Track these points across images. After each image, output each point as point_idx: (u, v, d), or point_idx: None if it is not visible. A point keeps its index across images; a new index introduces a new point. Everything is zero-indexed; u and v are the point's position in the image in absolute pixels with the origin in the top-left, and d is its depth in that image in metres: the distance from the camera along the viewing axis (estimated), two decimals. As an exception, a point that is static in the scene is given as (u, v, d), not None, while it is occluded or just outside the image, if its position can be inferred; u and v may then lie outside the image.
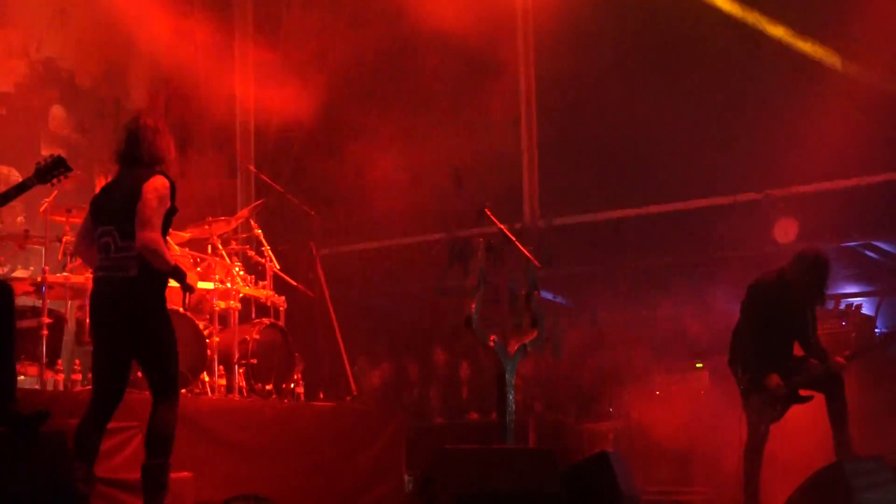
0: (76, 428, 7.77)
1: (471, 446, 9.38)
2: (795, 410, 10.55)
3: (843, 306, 13.41)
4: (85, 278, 10.85)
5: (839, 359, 10.17)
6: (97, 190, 11.12)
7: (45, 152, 14.02)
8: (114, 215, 7.68)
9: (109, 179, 10.21)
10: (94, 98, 15.92)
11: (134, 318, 7.59)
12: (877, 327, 13.53)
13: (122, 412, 9.63)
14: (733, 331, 10.52)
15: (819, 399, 10.29)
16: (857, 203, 12.91)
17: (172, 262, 7.66)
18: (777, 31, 13.59)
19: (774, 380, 10.05)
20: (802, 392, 10.28)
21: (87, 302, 8.15)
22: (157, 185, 7.63)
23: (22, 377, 10.83)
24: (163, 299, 7.70)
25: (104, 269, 7.68)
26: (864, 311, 13.78)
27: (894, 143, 12.89)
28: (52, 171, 8.33)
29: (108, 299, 7.66)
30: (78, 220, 11.23)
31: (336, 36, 15.91)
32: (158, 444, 7.77)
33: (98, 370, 7.80)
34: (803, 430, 11.41)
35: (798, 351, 10.38)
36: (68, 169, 8.38)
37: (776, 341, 10.22)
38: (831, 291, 10.59)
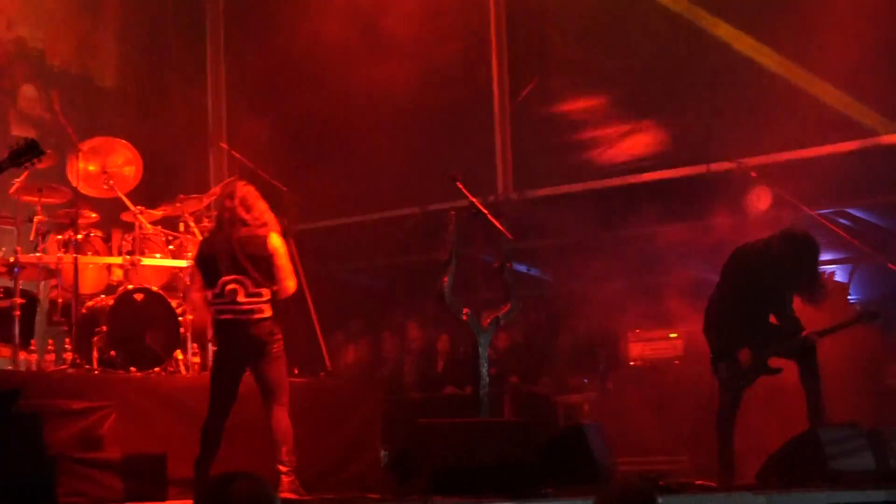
0: (203, 429, 8.96)
1: (446, 420, 9.38)
2: (770, 379, 10.59)
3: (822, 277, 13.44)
4: (56, 258, 10.83)
5: (813, 333, 10.20)
6: (69, 169, 11.17)
7: (16, 132, 14.01)
8: (243, 269, 8.97)
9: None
10: (65, 77, 15.84)
11: (266, 346, 8.98)
12: (850, 294, 13.58)
13: (98, 391, 9.67)
14: (710, 297, 10.54)
15: (792, 367, 10.33)
16: (830, 170, 12.92)
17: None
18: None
19: (745, 354, 10.09)
20: (773, 363, 10.31)
21: (217, 342, 9.48)
22: (282, 242, 9.18)
23: (-6, 359, 10.84)
24: (280, 328, 9.12)
25: (236, 313, 8.98)
26: (838, 278, 13.83)
27: (866, 111, 12.90)
28: (24, 154, 8.43)
29: (245, 335, 8.97)
30: (49, 199, 11.23)
31: (307, 7, 15.84)
32: (280, 442, 8.94)
33: (221, 381, 9.10)
34: (778, 398, 11.46)
35: (773, 321, 10.40)
36: (41, 152, 8.53)
37: (752, 311, 10.24)
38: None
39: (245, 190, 9.30)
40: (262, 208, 9.23)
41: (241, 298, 8.96)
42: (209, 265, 9.15)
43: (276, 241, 9.14)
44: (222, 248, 9.08)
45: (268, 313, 9.01)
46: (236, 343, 9.05)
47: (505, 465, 8.44)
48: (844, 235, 12.11)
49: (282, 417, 8.97)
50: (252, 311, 8.97)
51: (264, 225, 9.17)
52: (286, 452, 8.88)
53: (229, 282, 8.98)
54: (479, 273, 9.71)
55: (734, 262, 10.41)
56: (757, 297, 10.22)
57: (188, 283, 10.53)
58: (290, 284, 9.17)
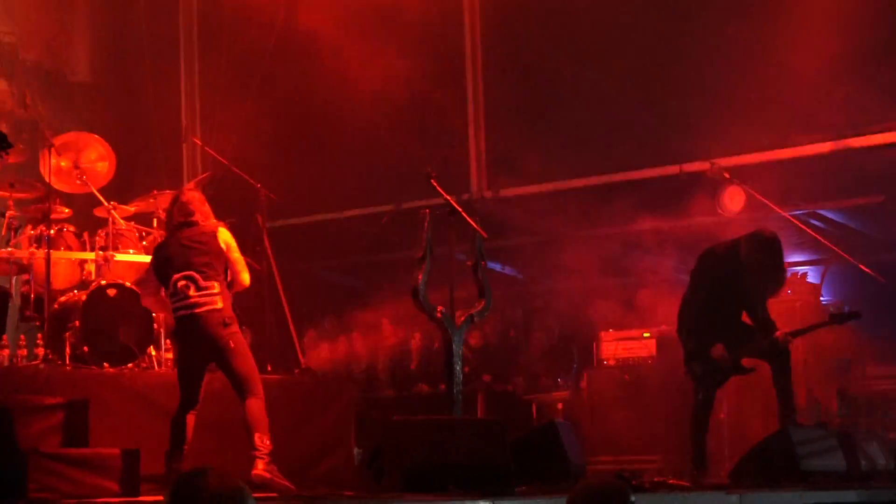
0: (171, 422, 9.07)
1: (418, 418, 9.38)
2: (742, 379, 10.63)
3: (788, 274, 13.51)
4: (29, 253, 10.79)
5: (785, 335, 10.22)
6: (42, 164, 11.12)
7: (-12, 127, 13.90)
8: (192, 265, 9.11)
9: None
10: (38, 72, 15.78)
11: (220, 338, 9.06)
12: (822, 296, 13.64)
13: (70, 387, 9.64)
14: (682, 299, 10.57)
15: (765, 368, 10.36)
16: (803, 172, 12.98)
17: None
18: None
19: (719, 349, 10.12)
20: (746, 363, 10.35)
21: (177, 341, 9.77)
22: (231, 236, 9.38)
23: (-34, 353, 10.77)
24: (235, 320, 9.23)
25: (188, 308, 9.11)
26: (810, 279, 13.90)
27: (839, 112, 12.96)
28: None
29: (199, 329, 9.08)
30: (21, 194, 11.18)
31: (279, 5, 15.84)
32: (252, 429, 8.99)
33: (186, 376, 9.23)
34: (749, 399, 11.51)
35: (746, 321, 10.44)
36: (9, 145, 8.46)
37: (724, 311, 10.28)
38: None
39: (189, 195, 9.51)
40: (206, 211, 9.43)
41: (192, 293, 9.10)
42: (162, 268, 9.33)
43: (225, 234, 9.36)
44: (173, 249, 9.28)
45: (220, 304, 9.13)
46: (193, 338, 9.19)
47: (478, 464, 8.44)
48: (816, 237, 12.17)
49: (254, 406, 9.05)
50: (204, 304, 9.10)
51: (209, 223, 9.39)
52: (258, 438, 8.93)
53: (180, 279, 9.13)
54: (454, 271, 9.70)
55: (703, 264, 10.45)
56: (728, 298, 10.25)
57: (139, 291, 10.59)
58: (245, 277, 9.39)
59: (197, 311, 9.08)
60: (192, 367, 9.23)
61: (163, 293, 9.44)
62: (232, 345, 9.09)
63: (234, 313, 9.27)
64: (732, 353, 10.16)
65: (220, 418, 9.54)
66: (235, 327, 9.18)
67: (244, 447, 8.96)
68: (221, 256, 9.24)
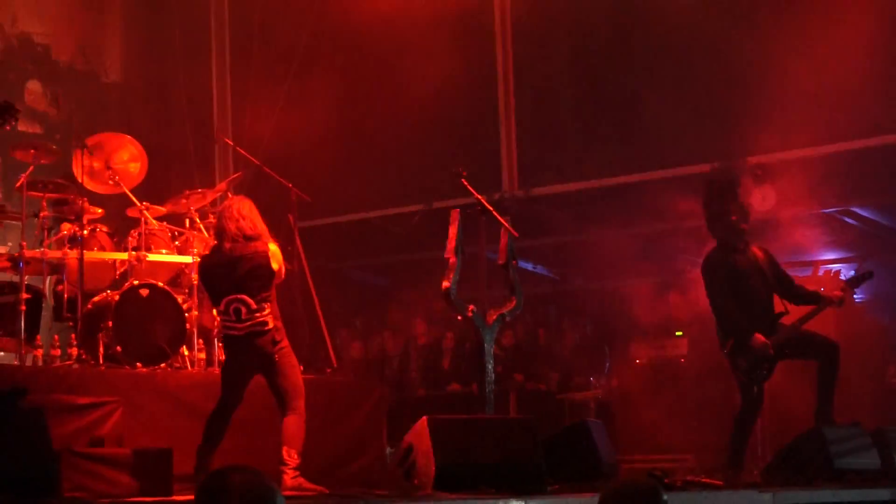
0: (209, 420, 9.13)
1: (450, 416, 9.38)
2: (776, 376, 10.57)
3: (821, 272, 13.46)
4: (62, 253, 10.82)
5: (837, 292, 10.24)
6: (74, 165, 11.16)
7: (22, 128, 14.00)
8: (244, 288, 9.03)
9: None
10: (70, 73, 15.86)
11: (269, 356, 9.04)
12: (854, 293, 13.58)
13: (103, 387, 9.66)
14: (710, 307, 10.55)
15: (797, 366, 10.32)
16: (836, 169, 12.92)
17: None
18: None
19: (759, 339, 10.05)
20: (793, 363, 10.30)
21: (225, 352, 9.60)
22: (277, 248, 9.30)
23: (0, 353, 10.82)
24: (283, 332, 9.19)
25: (239, 329, 9.05)
26: (843, 277, 13.83)
27: (872, 109, 12.90)
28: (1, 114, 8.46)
29: (248, 347, 9.05)
30: (54, 195, 11.20)
31: (311, 4, 15.88)
32: (283, 443, 8.95)
33: (231, 383, 9.20)
34: (783, 397, 11.47)
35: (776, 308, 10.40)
36: (16, 111, 8.51)
37: (745, 304, 10.22)
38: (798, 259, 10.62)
39: (240, 204, 9.32)
40: (256, 220, 9.24)
41: (245, 316, 9.03)
42: (212, 283, 9.26)
43: (277, 254, 9.26)
44: (223, 265, 9.13)
45: (271, 324, 9.07)
46: (243, 355, 9.14)
47: (509, 463, 8.43)
48: (850, 234, 12.13)
49: (291, 422, 9.01)
50: (257, 325, 9.04)
51: (260, 237, 9.19)
52: (286, 451, 8.88)
53: (232, 301, 9.05)
54: (485, 270, 9.70)
55: (704, 272, 10.42)
56: (740, 290, 10.22)
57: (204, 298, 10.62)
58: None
59: (247, 332, 9.03)
60: (238, 377, 9.20)
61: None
62: (278, 358, 9.07)
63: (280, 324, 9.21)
64: (772, 339, 10.09)
65: (251, 417, 9.55)
66: (285, 342, 9.16)
67: (275, 446, 8.98)
68: (273, 277, 9.16)
